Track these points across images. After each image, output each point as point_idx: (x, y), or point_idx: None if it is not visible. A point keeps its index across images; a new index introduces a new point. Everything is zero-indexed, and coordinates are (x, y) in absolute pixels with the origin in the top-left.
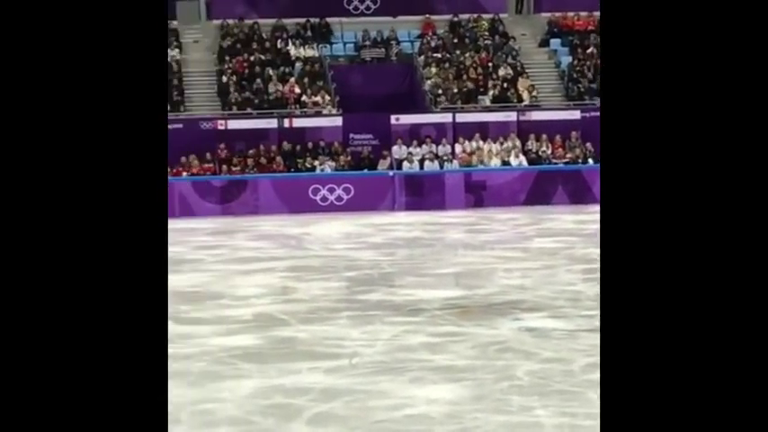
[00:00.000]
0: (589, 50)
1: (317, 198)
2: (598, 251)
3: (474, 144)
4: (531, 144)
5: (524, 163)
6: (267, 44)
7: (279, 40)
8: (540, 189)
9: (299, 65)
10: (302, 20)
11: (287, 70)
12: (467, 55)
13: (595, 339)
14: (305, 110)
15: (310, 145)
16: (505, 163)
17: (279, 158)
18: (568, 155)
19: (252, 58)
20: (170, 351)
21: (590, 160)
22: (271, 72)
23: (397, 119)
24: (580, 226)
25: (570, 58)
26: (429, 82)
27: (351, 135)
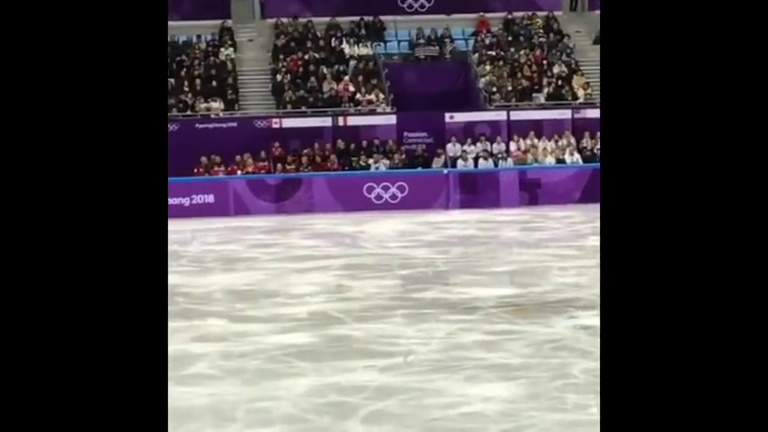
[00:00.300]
0: None
1: (372, 196)
2: None
3: (528, 142)
4: (586, 142)
5: (579, 161)
6: (321, 42)
7: (333, 39)
8: (596, 187)
9: (353, 63)
10: (356, 18)
11: (341, 68)
12: (521, 53)
13: None
14: (359, 108)
15: (364, 143)
16: (560, 161)
17: (333, 157)
18: None
19: (306, 57)
20: (225, 349)
21: None
22: (325, 70)
23: (452, 117)
24: None
25: None
26: (483, 80)
27: (405, 133)
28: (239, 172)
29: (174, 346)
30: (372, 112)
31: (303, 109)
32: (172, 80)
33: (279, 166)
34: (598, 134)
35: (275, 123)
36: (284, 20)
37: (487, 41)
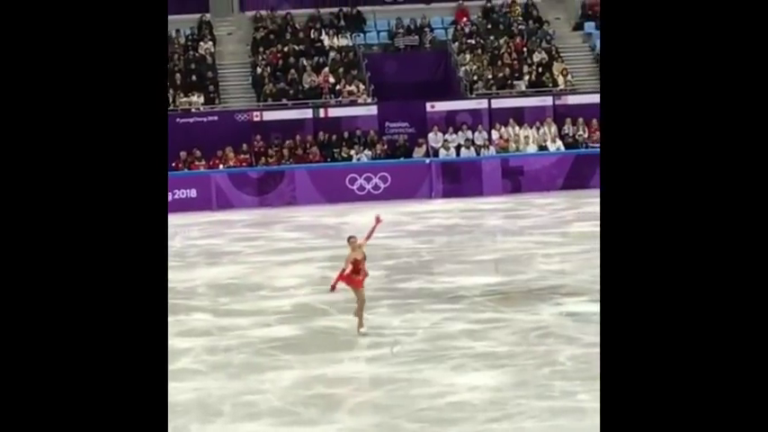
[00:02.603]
0: None
1: (354, 187)
2: None
3: (510, 130)
4: (568, 128)
5: (561, 147)
6: (300, 35)
7: (312, 31)
8: (578, 173)
9: (332, 54)
10: (335, 9)
11: (321, 60)
12: (501, 40)
13: None
14: (340, 99)
15: (346, 134)
16: (542, 148)
17: (315, 149)
18: None
19: (285, 49)
20: (210, 344)
21: None
22: (305, 62)
23: (433, 106)
24: None
25: None
26: (464, 68)
27: (386, 123)
28: (221, 166)
29: None
30: (353, 103)
31: (284, 101)
32: None
33: (261, 159)
34: (580, 120)
35: (256, 116)
36: (263, 12)
37: (467, 30)
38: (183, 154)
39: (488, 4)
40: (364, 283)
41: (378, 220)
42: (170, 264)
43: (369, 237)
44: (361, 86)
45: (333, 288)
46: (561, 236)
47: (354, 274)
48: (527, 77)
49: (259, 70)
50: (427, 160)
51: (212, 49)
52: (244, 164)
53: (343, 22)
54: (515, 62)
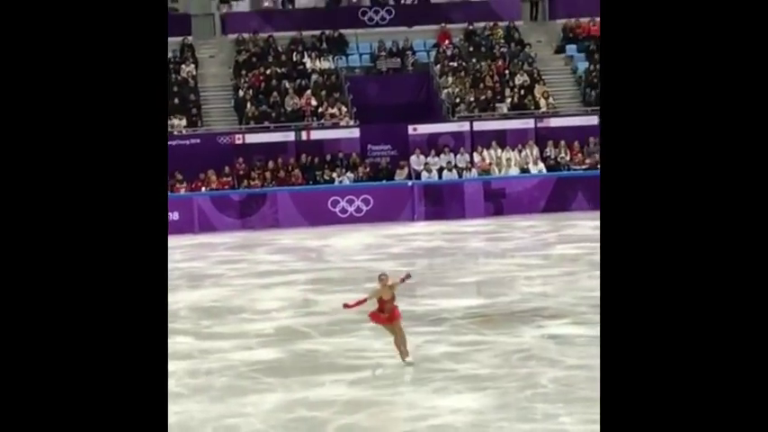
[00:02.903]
0: None
1: (337, 210)
2: None
3: (492, 152)
4: (550, 151)
5: (543, 170)
6: (283, 57)
7: (294, 53)
8: (560, 196)
9: (315, 77)
10: (317, 32)
11: (303, 83)
12: (483, 63)
13: None
14: (322, 122)
15: (328, 157)
16: (524, 170)
17: (297, 171)
18: (587, 161)
19: (268, 72)
20: (192, 367)
21: None
22: (287, 85)
23: (415, 129)
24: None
25: (587, 64)
26: (446, 91)
27: (368, 146)
28: (203, 188)
29: None
30: (335, 126)
31: (266, 124)
32: None
33: (243, 181)
34: (562, 143)
35: (238, 139)
36: (245, 35)
37: (449, 53)
38: None
39: (470, 27)
40: (396, 320)
41: (407, 276)
42: None
43: (397, 284)
44: (344, 109)
45: (345, 306)
46: (543, 258)
47: (379, 312)
48: (509, 100)
49: (241, 93)
50: (409, 183)
51: (194, 72)
52: (226, 186)
53: (325, 45)
54: (497, 85)
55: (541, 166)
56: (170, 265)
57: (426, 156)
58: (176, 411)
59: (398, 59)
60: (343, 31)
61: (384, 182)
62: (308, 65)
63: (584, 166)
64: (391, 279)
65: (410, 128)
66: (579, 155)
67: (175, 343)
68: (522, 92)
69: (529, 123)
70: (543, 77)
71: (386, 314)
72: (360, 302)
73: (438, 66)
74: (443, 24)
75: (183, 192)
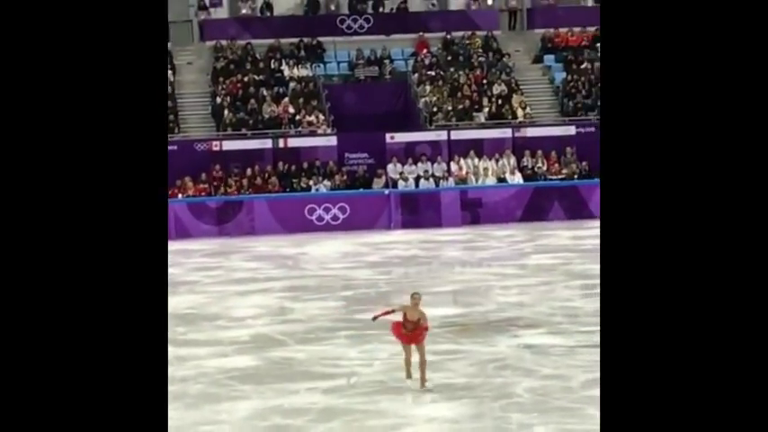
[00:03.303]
0: (583, 66)
1: (313, 218)
2: (595, 267)
3: (470, 161)
4: (527, 160)
5: (520, 179)
6: (261, 65)
7: (272, 61)
8: (537, 205)
9: (292, 85)
10: (295, 40)
11: (281, 90)
12: (461, 72)
13: (594, 355)
14: (299, 130)
15: (305, 165)
16: (501, 180)
17: (274, 179)
18: (564, 170)
19: (246, 79)
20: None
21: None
22: (265, 92)
23: (392, 137)
24: (577, 242)
25: (564, 74)
26: (423, 100)
27: (346, 154)
28: (180, 195)
29: None
30: (313, 134)
31: (243, 131)
32: None
33: (220, 188)
34: (539, 152)
35: (215, 146)
36: (223, 42)
37: (427, 62)
38: None
39: (448, 36)
40: (417, 342)
41: (426, 329)
42: None
43: (424, 315)
44: (321, 117)
45: (374, 318)
46: (519, 268)
47: (402, 326)
48: (486, 109)
49: (219, 100)
50: (386, 191)
51: (172, 79)
52: (203, 193)
53: (303, 53)
54: (475, 94)
55: (518, 175)
56: None
57: (403, 164)
58: None
59: (376, 68)
60: (321, 38)
61: (361, 190)
62: (286, 72)
63: (560, 176)
64: (422, 304)
65: (387, 136)
66: (556, 165)
67: None
68: (500, 101)
69: (506, 133)
70: (521, 87)
71: (407, 331)
72: (386, 313)
73: (416, 74)
74: (421, 33)
75: None
